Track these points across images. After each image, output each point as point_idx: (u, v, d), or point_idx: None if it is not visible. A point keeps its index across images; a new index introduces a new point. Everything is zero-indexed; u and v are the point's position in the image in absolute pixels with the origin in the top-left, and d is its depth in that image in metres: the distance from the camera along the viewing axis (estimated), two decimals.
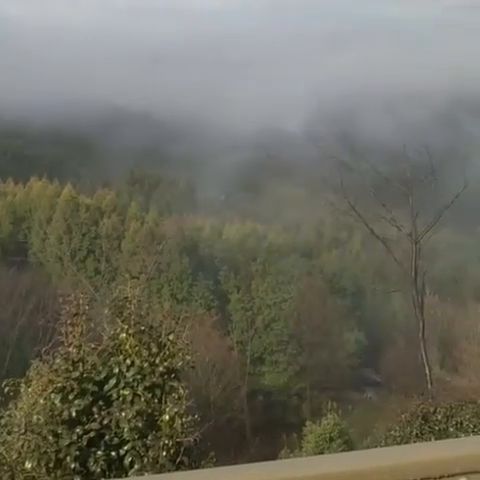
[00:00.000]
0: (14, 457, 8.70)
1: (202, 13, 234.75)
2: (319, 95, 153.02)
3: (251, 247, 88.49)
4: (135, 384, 8.91)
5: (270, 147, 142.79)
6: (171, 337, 9.48)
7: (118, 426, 8.53)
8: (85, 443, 8.41)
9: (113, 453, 8.46)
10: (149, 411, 8.72)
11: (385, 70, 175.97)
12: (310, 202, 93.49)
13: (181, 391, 8.93)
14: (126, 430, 8.48)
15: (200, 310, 69.77)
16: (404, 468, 1.80)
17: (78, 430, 8.46)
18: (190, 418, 8.73)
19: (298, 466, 1.94)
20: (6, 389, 9.39)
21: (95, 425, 8.49)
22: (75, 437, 8.42)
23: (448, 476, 1.80)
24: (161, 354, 9.23)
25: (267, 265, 79.19)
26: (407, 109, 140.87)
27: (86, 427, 8.49)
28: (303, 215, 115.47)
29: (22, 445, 8.64)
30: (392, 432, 17.35)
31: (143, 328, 9.47)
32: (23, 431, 8.70)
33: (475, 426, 16.79)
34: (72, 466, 8.31)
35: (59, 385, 8.86)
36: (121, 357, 9.16)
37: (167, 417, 8.62)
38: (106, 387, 8.93)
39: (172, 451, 8.45)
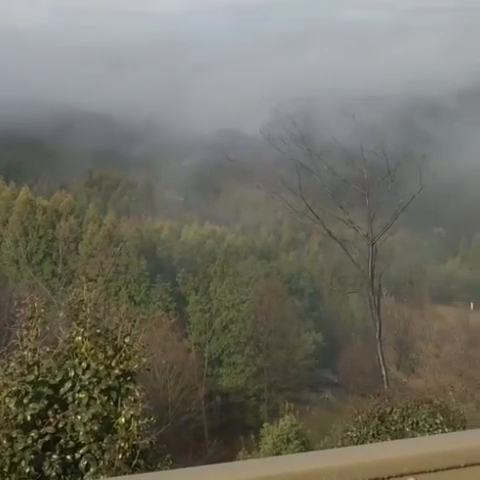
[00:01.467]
0: None
1: (162, 16, 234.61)
2: (277, 97, 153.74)
3: (209, 249, 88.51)
4: (91, 387, 8.86)
5: (229, 149, 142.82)
6: (127, 340, 9.45)
7: (73, 429, 8.48)
8: (40, 447, 8.34)
9: (68, 457, 8.41)
10: (105, 414, 8.68)
11: (342, 72, 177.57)
12: (268, 204, 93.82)
13: (137, 394, 8.91)
14: (82, 433, 8.43)
15: (158, 312, 69.59)
16: (352, 469, 1.82)
17: (33, 434, 8.39)
18: (146, 420, 8.72)
19: (251, 467, 1.94)
20: None
21: (50, 429, 8.42)
22: (30, 441, 8.35)
23: (396, 476, 1.82)
24: (117, 357, 9.20)
25: (225, 267, 79.29)
26: (364, 111, 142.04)
27: (41, 431, 8.42)
28: (261, 217, 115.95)
29: None
30: (349, 433, 17.43)
31: (99, 331, 9.43)
32: None
33: (431, 426, 16.95)
34: (27, 470, 8.24)
35: (14, 389, 8.78)
36: (77, 360, 9.10)
37: (123, 420, 8.59)
38: (61, 390, 8.87)
39: (128, 454, 8.43)
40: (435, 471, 1.83)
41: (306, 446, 25.89)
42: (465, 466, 1.85)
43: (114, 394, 8.92)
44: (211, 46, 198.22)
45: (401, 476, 1.83)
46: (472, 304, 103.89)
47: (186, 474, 2.00)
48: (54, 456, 8.35)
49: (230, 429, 56.33)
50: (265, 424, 30.08)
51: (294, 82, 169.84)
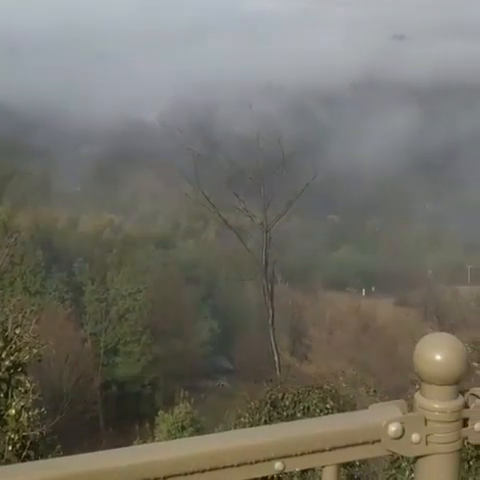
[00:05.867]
0: None
1: (64, 1, 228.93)
2: (177, 87, 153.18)
3: (107, 238, 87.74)
4: None
5: (129, 138, 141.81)
6: (18, 331, 9.34)
7: None
8: None
9: None
10: None
11: (241, 62, 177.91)
12: (166, 193, 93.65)
13: (28, 385, 8.84)
14: None
15: (54, 303, 68.77)
16: (221, 454, 1.87)
17: None
18: (37, 411, 8.66)
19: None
20: None
21: None
22: None
23: (264, 461, 1.87)
24: (7, 348, 9.08)
25: (122, 256, 78.61)
26: (262, 101, 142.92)
27: None
28: (159, 206, 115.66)
29: None
30: (242, 419, 17.63)
31: None
32: None
33: (321, 411, 17.33)
34: None
35: None
36: None
37: (13, 411, 8.51)
38: None
39: (18, 445, 8.36)
40: (301, 455, 1.90)
41: (200, 433, 26.08)
42: (330, 449, 1.93)
43: (4, 386, 8.83)
44: (115, 33, 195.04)
45: (269, 460, 1.88)
46: (364, 290, 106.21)
47: None
48: None
49: (126, 418, 55.94)
50: (160, 412, 30.19)
51: (194, 72, 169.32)
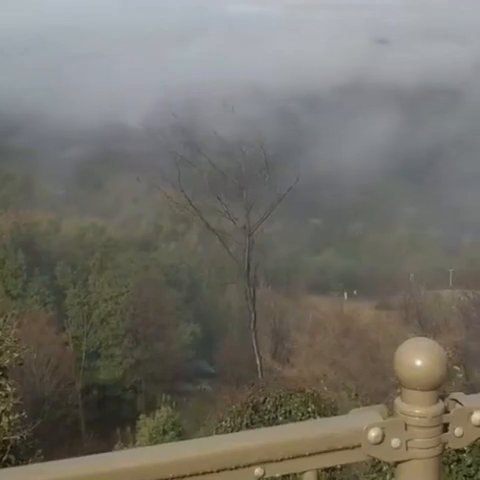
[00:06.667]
0: None
1: (46, 2, 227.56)
2: (161, 89, 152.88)
3: (89, 242, 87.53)
4: None
5: (112, 141, 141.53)
6: None
7: None
8: None
9: None
10: None
11: (226, 65, 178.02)
12: (149, 196, 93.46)
13: (9, 389, 8.77)
14: None
15: (35, 306, 68.60)
16: (201, 460, 1.87)
17: None
18: (17, 416, 8.60)
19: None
20: None
21: None
22: None
23: (244, 466, 1.87)
24: None
25: (105, 259, 78.40)
26: (246, 103, 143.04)
27: None
28: (142, 209, 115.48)
29: None
30: (223, 423, 17.63)
31: None
32: None
33: (303, 414, 17.36)
34: None
35: None
36: None
37: None
38: None
39: None
40: (281, 460, 1.90)
41: (182, 437, 26.03)
42: (310, 455, 1.93)
43: None
44: (99, 35, 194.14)
45: (249, 466, 1.88)
46: (346, 294, 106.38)
47: None
48: None
49: (107, 422, 55.70)
50: (141, 416, 30.13)
51: (179, 74, 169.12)
